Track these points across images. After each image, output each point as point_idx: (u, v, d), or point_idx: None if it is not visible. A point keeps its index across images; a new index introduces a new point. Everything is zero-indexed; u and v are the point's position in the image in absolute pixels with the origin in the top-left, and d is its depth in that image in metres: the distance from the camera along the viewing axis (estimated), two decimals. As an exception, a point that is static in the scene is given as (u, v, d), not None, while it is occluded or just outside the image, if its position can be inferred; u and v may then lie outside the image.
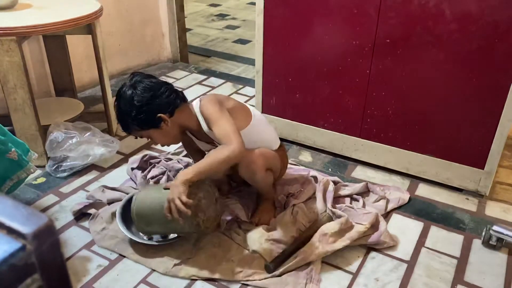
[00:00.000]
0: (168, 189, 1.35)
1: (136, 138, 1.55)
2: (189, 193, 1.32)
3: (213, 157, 1.38)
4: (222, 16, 4.54)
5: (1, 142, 1.39)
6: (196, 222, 1.36)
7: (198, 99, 1.54)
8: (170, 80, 2.90)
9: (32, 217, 0.35)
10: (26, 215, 0.35)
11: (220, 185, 1.72)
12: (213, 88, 2.81)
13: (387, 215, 1.71)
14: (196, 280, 1.42)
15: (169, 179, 1.81)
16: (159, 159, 1.95)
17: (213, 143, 1.56)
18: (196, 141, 1.61)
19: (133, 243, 1.52)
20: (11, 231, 0.34)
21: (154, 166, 1.91)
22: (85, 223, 1.63)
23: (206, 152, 1.61)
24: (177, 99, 1.49)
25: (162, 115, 1.44)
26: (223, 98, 1.55)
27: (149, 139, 1.54)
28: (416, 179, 1.92)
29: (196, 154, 1.71)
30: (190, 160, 1.91)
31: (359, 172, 1.98)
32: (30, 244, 0.34)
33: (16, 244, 0.34)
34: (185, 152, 2.03)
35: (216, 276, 1.42)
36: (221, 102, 1.49)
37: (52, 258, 0.35)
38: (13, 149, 1.42)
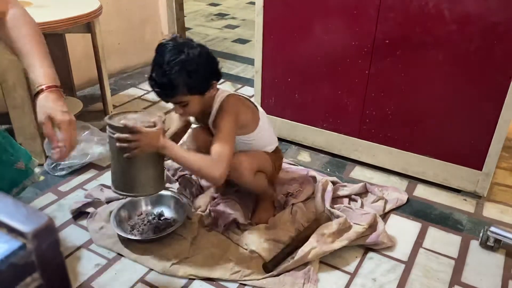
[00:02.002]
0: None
1: (166, 102, 1.41)
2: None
3: (197, 162, 1.36)
4: (221, 15, 4.54)
5: (11, 153, 1.38)
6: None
7: (226, 91, 1.50)
8: (169, 79, 2.90)
9: (32, 216, 0.35)
10: (26, 214, 0.35)
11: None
12: (212, 87, 2.81)
13: (385, 215, 1.71)
14: (194, 279, 1.42)
15: (167, 178, 1.81)
16: (157, 158, 1.95)
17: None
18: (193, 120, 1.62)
19: (131, 243, 1.52)
20: (11, 230, 0.34)
21: (152, 165, 1.90)
22: (83, 222, 1.63)
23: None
24: None
25: (215, 81, 1.41)
26: (242, 108, 1.50)
27: (183, 106, 1.39)
28: (414, 180, 1.92)
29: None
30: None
31: (358, 172, 1.99)
32: (30, 243, 0.34)
33: (16, 243, 0.34)
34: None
35: (214, 275, 1.42)
36: (237, 116, 1.45)
37: (51, 257, 0.35)
38: (21, 159, 1.42)
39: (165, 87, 1.32)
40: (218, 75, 1.42)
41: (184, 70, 1.30)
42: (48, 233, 0.34)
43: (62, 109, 1.07)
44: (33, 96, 1.09)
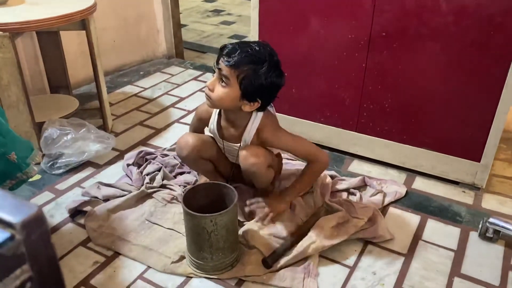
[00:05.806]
0: None
1: (218, 70, 1.42)
2: None
3: (313, 175, 1.61)
4: (217, 11, 4.52)
5: (1, 144, 1.36)
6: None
7: (261, 113, 1.49)
8: (165, 76, 2.89)
9: (21, 207, 0.34)
10: (14, 204, 0.34)
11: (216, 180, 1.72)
12: (209, 84, 2.80)
13: (384, 208, 1.71)
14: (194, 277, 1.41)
15: (165, 175, 1.80)
16: (155, 155, 1.94)
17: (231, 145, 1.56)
18: (218, 137, 1.58)
19: (130, 241, 1.51)
20: (-1, 221, 0.33)
21: (150, 163, 1.89)
22: (81, 220, 1.62)
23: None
24: None
25: (259, 102, 1.43)
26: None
27: (220, 83, 1.41)
28: (412, 172, 1.92)
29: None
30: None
31: (356, 166, 1.98)
32: (19, 234, 0.33)
33: (4, 234, 0.33)
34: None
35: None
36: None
37: (41, 248, 0.34)
38: (12, 152, 1.40)
39: (239, 52, 1.36)
40: (266, 102, 1.44)
41: (259, 62, 1.35)
42: (37, 224, 0.34)
43: None
44: None
